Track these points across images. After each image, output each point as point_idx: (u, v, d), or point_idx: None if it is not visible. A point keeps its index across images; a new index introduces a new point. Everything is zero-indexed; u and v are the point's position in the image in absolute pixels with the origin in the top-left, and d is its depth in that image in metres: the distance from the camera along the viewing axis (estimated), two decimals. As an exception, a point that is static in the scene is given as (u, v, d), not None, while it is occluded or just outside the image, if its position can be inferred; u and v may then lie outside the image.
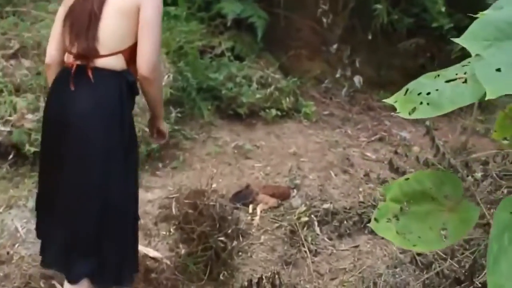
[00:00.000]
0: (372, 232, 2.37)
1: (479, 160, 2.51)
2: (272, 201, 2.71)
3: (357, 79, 4.32)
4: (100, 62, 1.46)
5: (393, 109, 1.04)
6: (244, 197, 2.73)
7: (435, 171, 1.95)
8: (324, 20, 4.19)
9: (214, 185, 2.71)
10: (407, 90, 1.02)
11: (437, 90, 0.95)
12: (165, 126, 1.75)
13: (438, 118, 3.50)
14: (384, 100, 1.10)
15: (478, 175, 2.20)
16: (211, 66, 3.55)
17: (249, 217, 2.62)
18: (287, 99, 3.77)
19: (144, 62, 1.41)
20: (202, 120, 3.53)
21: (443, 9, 3.62)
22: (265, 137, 3.56)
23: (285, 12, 4.18)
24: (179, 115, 3.22)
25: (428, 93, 0.95)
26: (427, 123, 4.10)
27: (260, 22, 3.82)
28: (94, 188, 1.45)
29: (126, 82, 1.48)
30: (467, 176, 2.17)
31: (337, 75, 4.36)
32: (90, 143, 1.43)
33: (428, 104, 0.94)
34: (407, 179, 1.10)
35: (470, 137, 3.15)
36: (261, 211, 2.65)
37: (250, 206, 2.70)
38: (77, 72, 1.45)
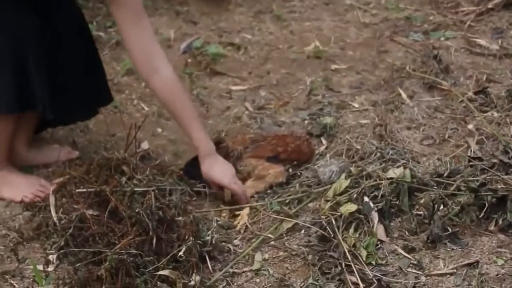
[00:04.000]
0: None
1: None
2: (275, 173, 2.45)
3: None
4: None
5: None
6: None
7: None
8: None
9: (144, 144, 2.62)
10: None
11: None
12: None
13: None
14: None
15: None
16: None
17: (225, 215, 2.38)
18: None
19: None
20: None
21: None
22: (253, 23, 3.50)
23: None
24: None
25: None
26: None
27: None
28: None
29: None
30: None
31: None
32: None
33: None
34: None
35: None
36: (252, 197, 2.41)
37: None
38: None
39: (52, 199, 2.30)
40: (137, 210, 2.10)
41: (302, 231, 2.19)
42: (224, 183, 2.31)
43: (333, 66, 3.05)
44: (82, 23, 2.39)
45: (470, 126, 2.56)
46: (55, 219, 2.20)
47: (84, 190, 2.20)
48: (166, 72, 2.25)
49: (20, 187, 2.33)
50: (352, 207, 2.14)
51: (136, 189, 2.21)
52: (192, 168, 2.50)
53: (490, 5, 3.40)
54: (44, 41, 2.21)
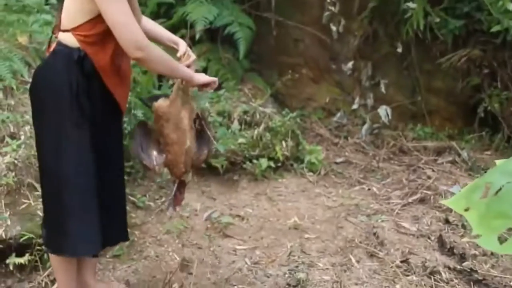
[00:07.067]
0: None
1: None
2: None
3: (383, 111, 4.30)
4: (60, 36, 2.09)
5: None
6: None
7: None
8: (334, 27, 4.13)
9: (175, 285, 2.82)
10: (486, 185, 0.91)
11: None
12: (198, 75, 2.28)
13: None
14: (444, 203, 1.08)
15: None
16: (171, 98, 3.70)
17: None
18: (284, 143, 3.90)
19: (125, 46, 1.95)
20: (159, 178, 3.68)
21: (510, 7, 3.52)
22: (253, 202, 3.70)
23: (278, 17, 4.09)
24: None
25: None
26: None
27: (243, 32, 3.78)
28: (44, 163, 2.13)
29: (72, 59, 2.04)
30: None
31: (355, 106, 4.37)
32: (39, 116, 2.11)
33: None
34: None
35: None
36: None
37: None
38: (50, 43, 2.14)
39: (115, 329, 2.60)
40: None
41: None
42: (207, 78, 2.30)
43: (306, 236, 3.36)
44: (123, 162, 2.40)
45: (398, 286, 2.84)
46: None
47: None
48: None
49: None
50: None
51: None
52: (148, 100, 2.62)
53: (410, 200, 3.78)
54: (120, 177, 2.31)
